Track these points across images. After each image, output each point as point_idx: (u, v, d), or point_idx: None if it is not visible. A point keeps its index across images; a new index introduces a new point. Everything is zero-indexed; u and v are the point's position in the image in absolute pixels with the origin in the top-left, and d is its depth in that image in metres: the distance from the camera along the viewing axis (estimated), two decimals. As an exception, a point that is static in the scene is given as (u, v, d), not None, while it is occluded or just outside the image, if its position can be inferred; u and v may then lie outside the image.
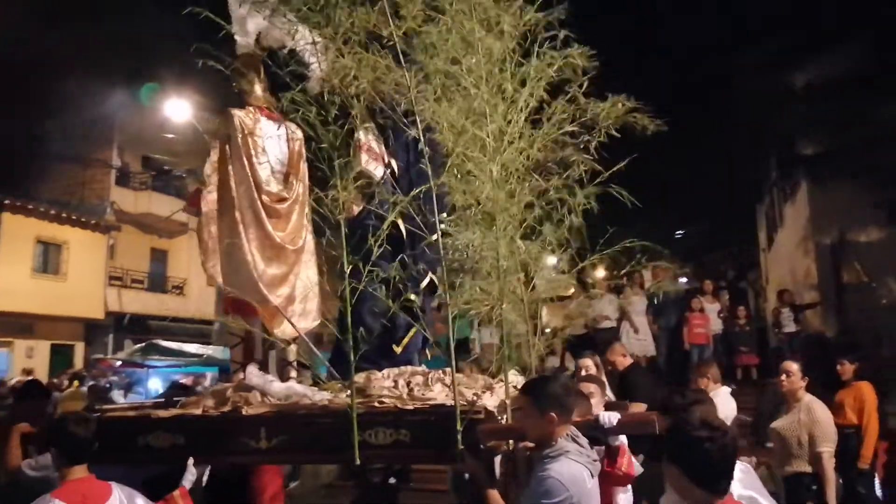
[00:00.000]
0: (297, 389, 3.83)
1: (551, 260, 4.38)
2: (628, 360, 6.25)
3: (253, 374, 3.93)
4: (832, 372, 6.93)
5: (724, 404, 5.03)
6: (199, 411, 3.79)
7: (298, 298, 4.38)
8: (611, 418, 3.21)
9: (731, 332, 11.27)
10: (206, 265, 4.30)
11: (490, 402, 3.44)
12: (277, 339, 4.38)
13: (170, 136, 18.64)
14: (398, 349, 4.03)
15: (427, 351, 4.69)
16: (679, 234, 23.67)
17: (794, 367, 5.22)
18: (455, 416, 3.18)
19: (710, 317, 11.21)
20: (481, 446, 3.11)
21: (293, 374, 4.48)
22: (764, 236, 20.98)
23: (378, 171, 4.38)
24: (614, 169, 4.03)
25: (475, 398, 3.48)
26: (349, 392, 3.46)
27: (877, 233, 13.44)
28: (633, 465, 3.43)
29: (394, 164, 4.40)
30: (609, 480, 3.33)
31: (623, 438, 3.37)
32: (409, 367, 4.13)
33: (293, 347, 4.44)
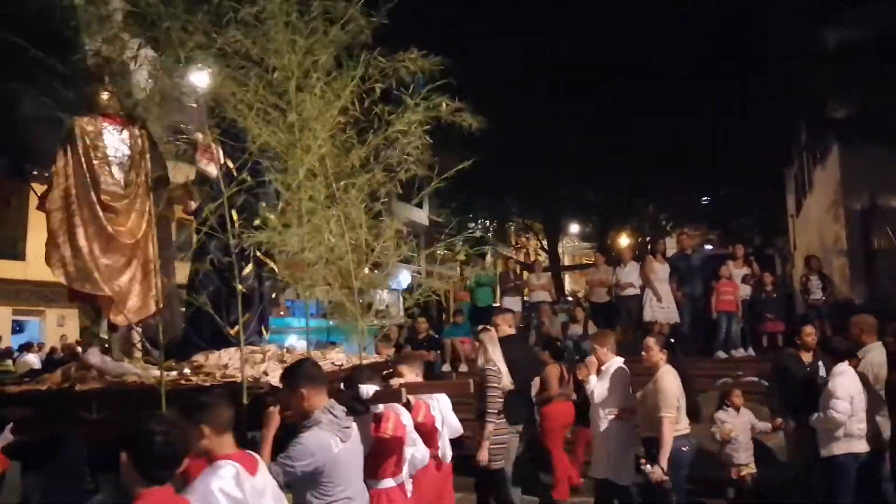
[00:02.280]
0: (127, 369, 4.43)
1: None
2: (510, 331, 6.64)
3: (92, 354, 4.55)
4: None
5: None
6: (44, 387, 4.41)
7: (137, 287, 4.82)
8: (368, 391, 3.86)
9: (757, 298, 11.13)
10: (49, 259, 4.76)
11: (274, 378, 4.02)
12: (117, 323, 4.85)
13: None
14: (232, 332, 4.44)
15: (265, 331, 5.31)
16: (705, 200, 23.36)
17: (651, 341, 5.80)
18: (242, 391, 3.88)
19: (738, 283, 11.09)
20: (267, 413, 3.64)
21: (137, 354, 4.97)
22: (792, 201, 20.60)
23: (212, 169, 4.88)
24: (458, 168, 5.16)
25: (263, 375, 4.17)
26: (183, 370, 4.22)
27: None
28: (402, 426, 3.97)
29: (230, 163, 4.89)
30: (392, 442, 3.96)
31: (382, 406, 3.92)
32: (249, 347, 4.62)
33: (139, 330, 4.84)
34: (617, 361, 5.84)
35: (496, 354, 5.92)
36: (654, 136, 18.06)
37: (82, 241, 4.68)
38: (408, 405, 4.11)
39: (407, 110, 4.73)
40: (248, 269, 4.63)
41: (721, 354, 10.70)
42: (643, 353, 5.76)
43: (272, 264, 4.84)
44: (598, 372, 5.82)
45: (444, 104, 4.68)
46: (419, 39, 4.72)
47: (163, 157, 5.02)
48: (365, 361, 4.99)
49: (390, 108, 4.70)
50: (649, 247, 12.48)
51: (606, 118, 18.07)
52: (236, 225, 4.38)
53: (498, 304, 13.37)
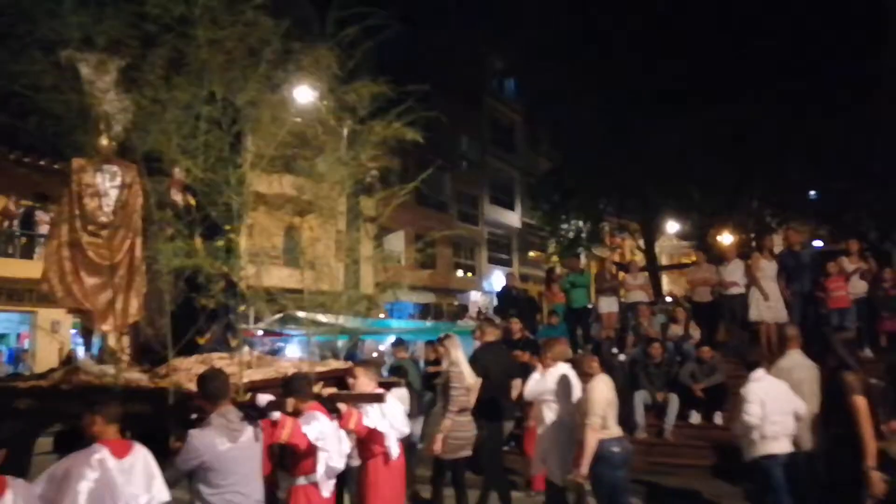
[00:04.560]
0: (105, 371, 5.15)
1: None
2: (491, 338, 7.45)
3: (83, 357, 5.65)
4: None
5: None
6: (46, 383, 5.29)
7: (117, 302, 5.49)
8: (262, 400, 4.64)
9: (875, 296, 10.47)
10: (46, 281, 5.47)
11: (192, 384, 4.56)
12: (104, 331, 5.58)
13: None
14: (202, 341, 5.21)
15: (232, 339, 5.75)
16: (813, 194, 22.11)
17: (593, 359, 6.20)
18: (164, 396, 4.65)
19: (851, 279, 10.48)
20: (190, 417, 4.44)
21: (126, 358, 5.57)
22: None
23: (180, 200, 5.72)
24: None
25: (188, 382, 4.71)
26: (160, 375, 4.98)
27: None
28: (299, 433, 4.36)
29: (191, 199, 5.69)
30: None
31: (279, 414, 4.49)
32: (216, 354, 5.38)
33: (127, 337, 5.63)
34: (562, 368, 6.27)
35: (459, 357, 6.56)
36: (760, 128, 17.37)
37: (68, 265, 5.49)
38: (337, 412, 4.75)
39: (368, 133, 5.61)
40: (218, 285, 5.14)
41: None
42: (584, 367, 6.01)
43: (240, 281, 5.34)
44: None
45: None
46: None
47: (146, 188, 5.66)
48: (321, 368, 5.62)
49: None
50: (755, 244, 11.96)
51: (709, 112, 17.59)
52: (201, 250, 5.10)
53: (592, 305, 13.18)
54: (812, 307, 10.64)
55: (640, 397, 9.46)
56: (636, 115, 19.32)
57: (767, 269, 10.66)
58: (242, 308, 5.56)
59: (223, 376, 4.35)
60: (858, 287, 10.56)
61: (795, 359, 6.09)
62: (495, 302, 15.60)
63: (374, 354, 14.89)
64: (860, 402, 5.06)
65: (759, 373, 5.78)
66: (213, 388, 4.22)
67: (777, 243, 13.79)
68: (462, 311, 28.15)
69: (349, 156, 5.80)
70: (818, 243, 22.76)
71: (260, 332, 14.99)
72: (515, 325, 11.00)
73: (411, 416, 7.04)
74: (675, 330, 11.44)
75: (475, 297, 31.30)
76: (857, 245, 11.61)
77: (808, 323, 10.59)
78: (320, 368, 5.63)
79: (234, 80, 5.20)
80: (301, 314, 7.36)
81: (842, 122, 16.70)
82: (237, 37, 5.07)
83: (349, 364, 5.98)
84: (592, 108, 20.80)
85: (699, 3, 17.97)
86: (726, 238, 22.41)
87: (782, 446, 5.58)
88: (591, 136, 21.24)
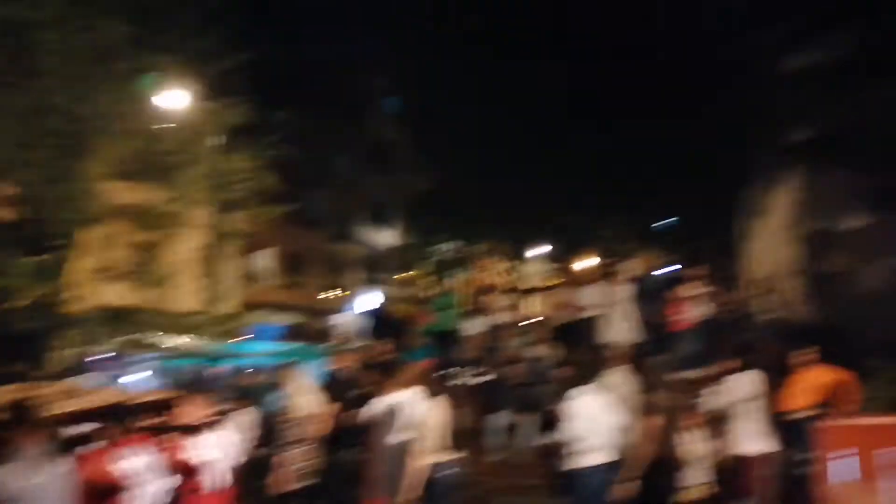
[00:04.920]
0: None
1: None
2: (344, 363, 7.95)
3: None
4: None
5: None
6: None
7: None
8: (79, 430, 4.41)
9: (713, 318, 11.29)
10: None
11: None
12: None
13: None
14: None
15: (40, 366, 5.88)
16: (661, 223, 23.76)
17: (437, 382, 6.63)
18: None
19: (694, 303, 11.24)
20: None
21: None
22: (748, 223, 21.01)
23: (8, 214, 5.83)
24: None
25: None
26: None
27: (862, 220, 13.46)
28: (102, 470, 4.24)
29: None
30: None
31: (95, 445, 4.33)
32: (38, 382, 5.58)
33: None
34: (407, 392, 6.27)
35: (294, 388, 6.73)
36: (618, 160, 18.38)
37: None
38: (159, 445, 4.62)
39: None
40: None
41: (682, 374, 10.76)
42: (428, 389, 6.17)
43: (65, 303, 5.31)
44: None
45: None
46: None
47: None
48: (148, 398, 5.53)
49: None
50: (611, 268, 12.66)
51: (572, 142, 18.42)
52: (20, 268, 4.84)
53: (460, 328, 13.29)
54: (661, 329, 11.28)
55: (500, 418, 9.60)
56: (512, 141, 19.91)
57: (623, 292, 11.24)
58: (74, 332, 5.16)
59: (33, 406, 4.10)
60: (703, 310, 11.33)
61: (622, 376, 6.60)
62: (367, 323, 15.43)
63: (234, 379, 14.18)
64: (648, 422, 5.72)
65: (581, 389, 6.05)
66: (21, 417, 3.98)
67: (635, 267, 14.56)
68: (328, 332, 27.68)
69: (212, 170, 5.56)
70: (671, 268, 24.34)
71: (98, 357, 13.95)
72: (380, 347, 10.87)
73: (267, 441, 6.77)
74: (538, 350, 11.77)
75: (344, 318, 30.85)
76: (699, 271, 12.47)
77: (656, 344, 11.26)
78: (148, 398, 5.42)
79: (80, 90, 4.82)
80: (149, 337, 6.96)
81: (689, 155, 18.02)
82: (86, 43, 4.67)
83: (178, 392, 5.72)
84: (471, 131, 21.27)
85: (575, 34, 18.76)
86: (587, 262, 23.57)
87: (597, 458, 5.87)
88: (469, 159, 21.70)
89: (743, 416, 6.49)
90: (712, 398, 6.69)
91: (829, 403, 6.94)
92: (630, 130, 18.33)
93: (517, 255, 25.50)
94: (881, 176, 11.85)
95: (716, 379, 6.91)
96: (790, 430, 6.82)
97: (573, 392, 6.06)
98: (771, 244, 16.94)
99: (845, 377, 7.11)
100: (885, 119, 10.84)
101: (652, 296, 11.43)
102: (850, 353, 10.03)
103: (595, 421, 5.85)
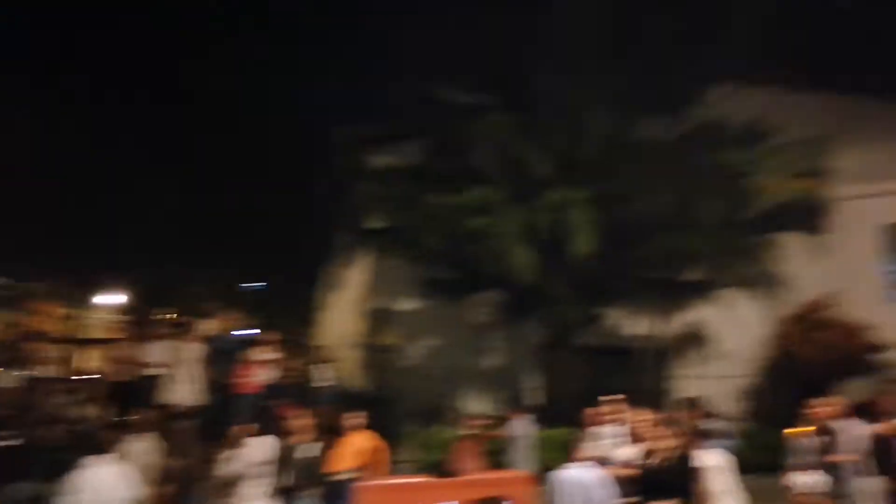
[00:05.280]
0: None
1: None
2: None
3: None
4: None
5: None
6: None
7: None
8: None
9: (278, 383, 11.69)
10: None
11: None
12: None
13: None
14: None
15: None
16: (248, 286, 24.09)
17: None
18: None
19: (263, 367, 11.48)
20: None
21: None
22: (326, 295, 22.66)
23: None
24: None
25: None
26: None
27: (412, 303, 15.72)
28: None
29: None
30: None
31: None
32: None
33: None
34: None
35: None
36: (213, 220, 18.17)
37: None
38: None
39: None
40: None
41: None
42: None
43: None
44: None
45: None
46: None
47: None
48: None
49: None
50: (184, 325, 12.22)
51: (157, 192, 17.60)
52: None
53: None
54: (227, 390, 11.22)
55: (23, 489, 8.33)
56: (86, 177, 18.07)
57: (193, 351, 10.91)
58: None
59: None
60: (269, 374, 11.63)
61: (149, 443, 6.93)
62: None
63: None
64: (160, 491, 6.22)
65: (97, 458, 5.70)
66: None
67: (210, 327, 14.30)
68: None
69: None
70: (248, 332, 24.56)
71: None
72: None
73: None
74: (91, 410, 10.59)
75: None
76: (270, 336, 12.88)
77: (219, 406, 11.14)
78: None
79: None
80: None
81: (280, 228, 18.82)
82: None
83: None
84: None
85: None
86: (163, 316, 22.32)
87: None
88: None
89: (255, 480, 6.96)
90: (228, 462, 7.00)
91: (367, 466, 7.81)
92: (226, 193, 18.43)
93: (83, 302, 22.77)
94: (430, 268, 14.05)
95: (234, 443, 7.25)
96: (335, 489, 7.49)
97: (87, 461, 5.57)
98: (341, 317, 18.50)
99: (381, 444, 8.12)
100: (438, 221, 12.94)
101: (224, 357, 11.34)
102: (394, 420, 11.52)
103: (101, 494, 5.47)
